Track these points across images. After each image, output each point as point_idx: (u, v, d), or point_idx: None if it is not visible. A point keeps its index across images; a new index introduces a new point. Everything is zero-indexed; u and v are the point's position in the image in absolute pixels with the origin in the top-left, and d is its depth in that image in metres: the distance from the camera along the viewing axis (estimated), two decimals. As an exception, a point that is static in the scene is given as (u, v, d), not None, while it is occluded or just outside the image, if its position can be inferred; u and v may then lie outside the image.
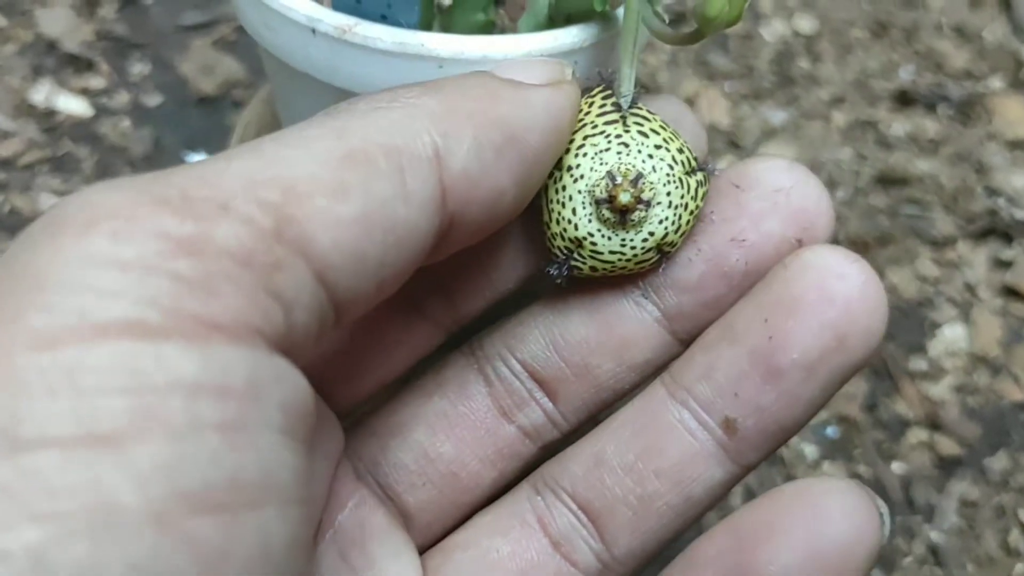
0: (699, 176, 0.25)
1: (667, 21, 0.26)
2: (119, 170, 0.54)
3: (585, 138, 0.24)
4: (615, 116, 0.24)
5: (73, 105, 0.57)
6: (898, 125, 0.61)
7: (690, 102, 0.61)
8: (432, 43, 0.26)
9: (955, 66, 0.64)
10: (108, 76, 0.58)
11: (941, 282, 0.54)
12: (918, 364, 0.51)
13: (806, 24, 0.65)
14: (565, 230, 0.24)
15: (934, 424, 0.49)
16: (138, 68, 0.59)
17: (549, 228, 0.24)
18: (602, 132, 0.24)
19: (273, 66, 0.31)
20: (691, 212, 0.24)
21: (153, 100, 0.58)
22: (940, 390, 0.50)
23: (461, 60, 0.26)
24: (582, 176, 0.24)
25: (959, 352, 0.52)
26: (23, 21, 0.60)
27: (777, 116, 0.61)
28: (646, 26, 0.26)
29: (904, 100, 0.62)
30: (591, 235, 0.24)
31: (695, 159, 0.25)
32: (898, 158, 0.59)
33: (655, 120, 0.25)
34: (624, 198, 0.23)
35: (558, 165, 0.24)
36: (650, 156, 0.24)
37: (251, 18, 0.29)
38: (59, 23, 0.59)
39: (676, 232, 0.24)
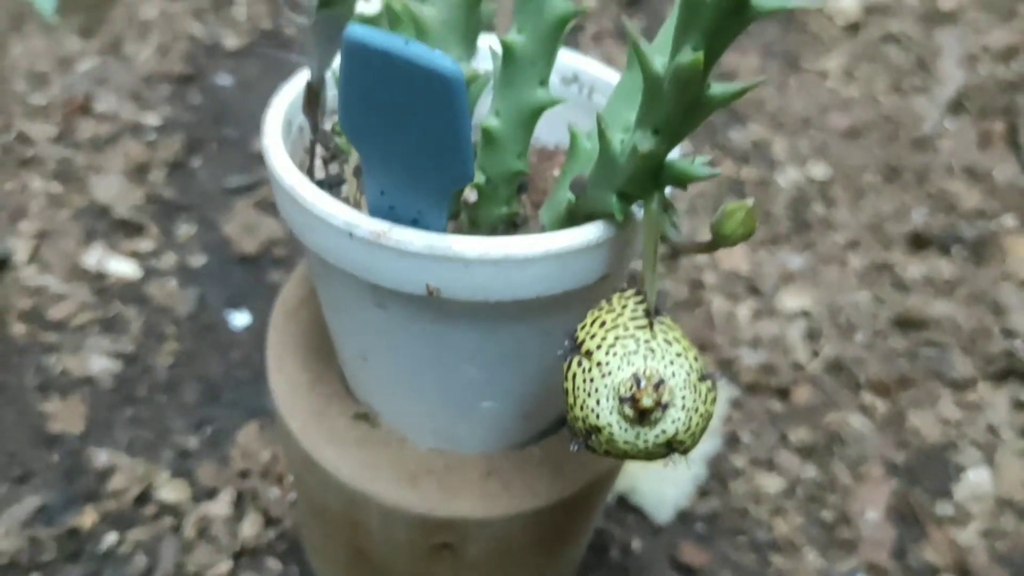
0: (708, 383, 0.27)
1: (681, 231, 0.28)
2: (165, 329, 0.57)
3: (616, 339, 0.26)
4: (644, 322, 0.27)
5: (123, 268, 0.60)
6: (914, 267, 0.62)
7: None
8: (458, 245, 0.28)
9: (967, 206, 0.66)
10: (156, 238, 0.62)
11: (964, 424, 0.55)
12: (944, 509, 0.52)
13: (819, 170, 0.68)
14: (587, 417, 0.26)
15: (963, 571, 0.49)
16: (184, 229, 0.62)
17: (572, 411, 0.26)
18: (632, 336, 0.26)
19: (314, 260, 0.33)
20: (701, 415, 0.26)
21: (198, 260, 0.61)
22: (968, 536, 0.50)
23: (486, 260, 0.28)
24: (610, 373, 0.26)
25: (985, 496, 0.52)
26: (77, 186, 0.64)
27: (794, 261, 0.63)
28: (665, 236, 0.28)
29: (918, 242, 0.64)
30: (610, 425, 0.26)
31: (704, 367, 0.27)
32: (915, 300, 0.60)
33: (677, 329, 0.27)
34: (647, 402, 0.25)
35: (588, 356, 0.26)
36: (671, 363, 0.26)
37: (294, 219, 0.31)
38: (111, 188, 0.64)
39: (687, 432, 0.26)
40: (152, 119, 0.67)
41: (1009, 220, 0.66)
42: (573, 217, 0.32)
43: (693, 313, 0.60)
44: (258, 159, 0.66)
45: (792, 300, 0.61)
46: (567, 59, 0.39)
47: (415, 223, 0.29)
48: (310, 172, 0.35)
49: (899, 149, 0.69)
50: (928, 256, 0.63)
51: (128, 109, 0.67)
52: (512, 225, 0.35)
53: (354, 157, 0.35)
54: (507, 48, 0.31)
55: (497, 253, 0.28)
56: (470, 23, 0.30)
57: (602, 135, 0.28)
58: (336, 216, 0.29)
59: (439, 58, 0.23)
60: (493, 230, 0.34)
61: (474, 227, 0.34)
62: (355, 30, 0.23)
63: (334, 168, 0.37)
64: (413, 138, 0.26)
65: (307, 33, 0.31)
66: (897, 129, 0.70)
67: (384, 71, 0.24)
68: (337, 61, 0.33)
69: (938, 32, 0.75)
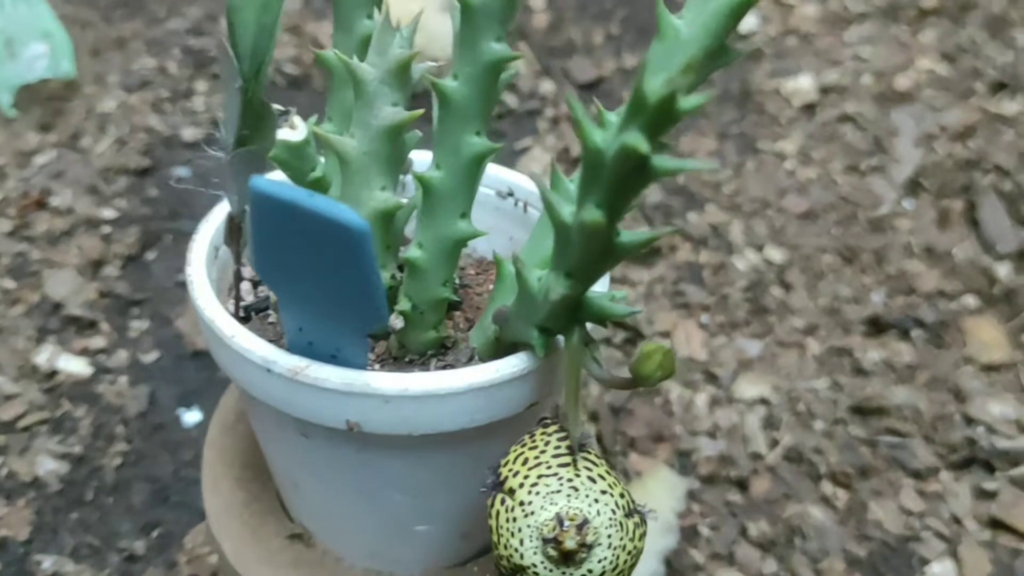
0: (636, 518, 0.26)
1: (603, 366, 0.28)
2: (114, 428, 0.56)
3: (539, 477, 0.26)
4: (568, 459, 0.26)
5: (73, 365, 0.59)
6: (873, 352, 0.62)
7: (666, 335, 0.63)
8: (377, 382, 0.28)
9: (927, 287, 0.66)
10: (108, 335, 0.61)
11: (926, 515, 0.54)
12: (908, 606, 0.50)
13: (777, 254, 0.68)
14: (511, 556, 0.26)
15: (928, 674, 0.48)
16: (137, 325, 0.62)
17: (496, 548, 0.26)
18: (555, 474, 0.26)
19: (243, 396, 0.33)
20: (629, 553, 0.26)
21: (150, 356, 0.60)
22: (932, 635, 0.49)
23: (407, 396, 0.28)
24: (533, 513, 0.25)
25: (949, 592, 0.51)
26: (31, 282, 0.64)
27: (752, 346, 0.63)
28: (585, 370, 0.28)
29: (878, 326, 0.64)
30: (534, 566, 0.25)
31: (633, 502, 0.26)
32: (875, 386, 0.60)
33: (602, 465, 0.27)
34: (570, 544, 0.25)
35: (511, 494, 0.26)
36: (596, 501, 0.25)
37: (215, 350, 0.31)
38: (65, 284, 0.63)
39: (614, 571, 0.26)
40: (108, 213, 0.67)
41: (970, 300, 0.66)
42: (499, 344, 0.32)
43: (652, 402, 0.59)
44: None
45: (750, 388, 0.61)
46: (502, 174, 0.40)
47: (334, 359, 0.29)
48: (236, 298, 0.35)
49: (857, 230, 0.69)
50: (887, 340, 0.63)
51: (84, 203, 0.67)
52: (442, 347, 0.35)
53: None
54: (426, 183, 0.31)
55: (418, 389, 0.28)
56: (393, 153, 0.31)
57: (519, 274, 0.28)
58: (254, 352, 0.29)
59: (344, 211, 0.23)
60: (423, 355, 0.34)
61: (402, 350, 0.34)
62: (260, 182, 0.23)
63: (263, 290, 0.37)
64: (325, 283, 0.27)
65: (225, 168, 0.31)
66: (855, 210, 0.70)
67: (292, 221, 0.24)
68: None
69: (894, 112, 0.76)
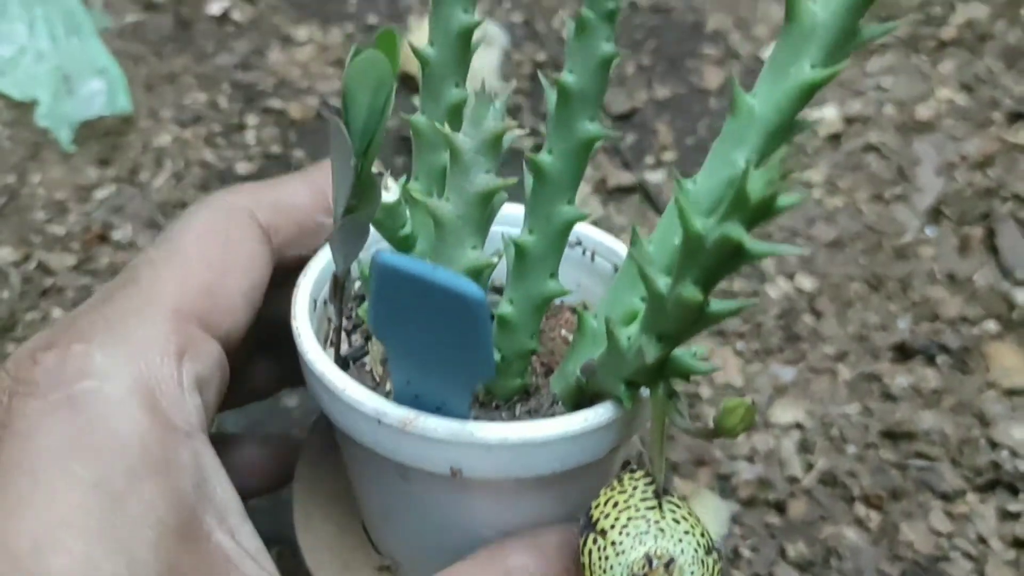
0: (714, 555, 0.29)
1: (686, 417, 0.31)
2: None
3: (629, 519, 0.29)
4: (654, 503, 0.29)
5: None
6: (901, 377, 0.65)
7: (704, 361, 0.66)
8: (481, 432, 0.31)
9: (950, 313, 0.69)
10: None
11: (955, 536, 0.57)
12: (940, 623, 0.54)
13: (807, 282, 0.71)
14: None
15: None
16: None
17: None
18: (643, 516, 0.29)
19: (344, 439, 0.36)
20: None
21: (214, 385, 0.63)
22: (963, 651, 0.52)
23: (506, 444, 0.31)
24: (623, 552, 0.28)
25: (978, 610, 0.54)
26: (98, 314, 0.67)
27: (787, 373, 0.66)
28: (670, 421, 0.31)
29: (904, 352, 0.67)
30: None
31: (711, 540, 0.29)
32: (903, 411, 0.63)
33: (685, 507, 0.30)
34: None
35: (603, 535, 0.29)
36: (680, 540, 0.28)
37: (323, 401, 0.34)
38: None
39: None
40: (168, 245, 0.70)
41: (991, 325, 0.69)
42: (582, 392, 0.35)
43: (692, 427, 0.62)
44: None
45: (785, 413, 0.64)
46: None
47: (438, 409, 0.32)
48: (337, 349, 0.38)
49: (883, 258, 0.72)
50: (914, 366, 0.66)
51: (145, 237, 0.70)
52: (525, 393, 0.37)
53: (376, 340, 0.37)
54: (520, 248, 0.33)
55: (516, 438, 0.31)
56: (484, 216, 0.33)
57: (611, 335, 0.31)
58: (365, 404, 0.31)
59: (463, 283, 0.26)
60: (508, 400, 0.37)
61: (489, 396, 0.37)
62: (386, 257, 0.26)
63: (356, 338, 0.40)
64: (438, 342, 0.29)
65: (334, 234, 0.33)
66: (880, 238, 0.73)
67: (412, 289, 0.27)
68: (362, 254, 0.36)
69: (916, 141, 0.79)
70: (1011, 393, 0.64)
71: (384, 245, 0.36)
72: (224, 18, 0.86)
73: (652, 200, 0.76)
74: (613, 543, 0.29)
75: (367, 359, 0.38)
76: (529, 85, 0.84)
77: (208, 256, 0.33)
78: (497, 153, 0.31)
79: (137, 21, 0.85)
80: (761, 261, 0.72)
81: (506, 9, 0.90)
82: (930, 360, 0.67)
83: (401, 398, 0.32)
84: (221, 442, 0.37)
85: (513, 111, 0.82)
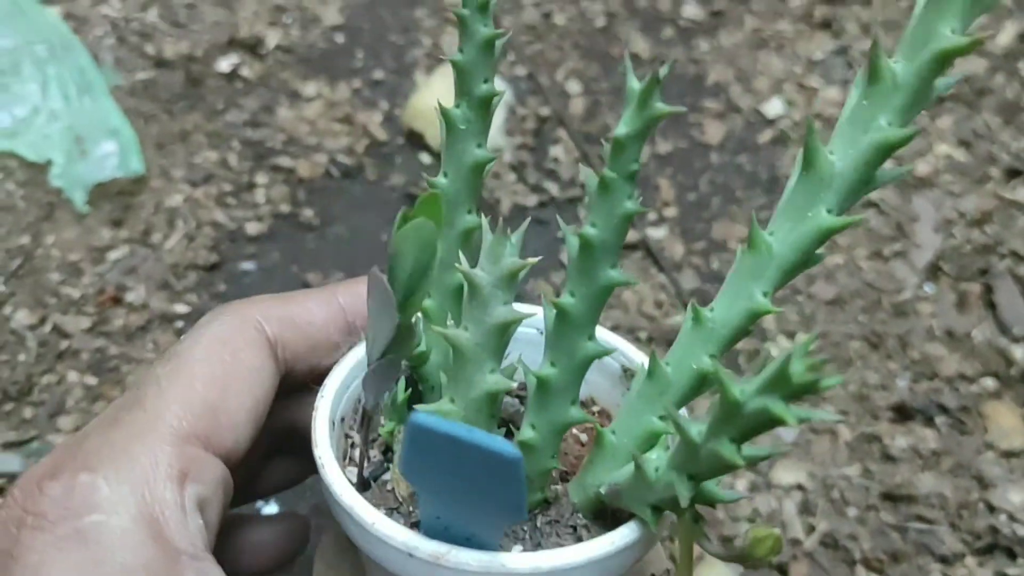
0: None
1: (713, 541, 0.32)
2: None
3: None
4: None
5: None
6: (900, 438, 0.66)
7: (708, 423, 0.67)
8: (512, 563, 0.31)
9: (948, 371, 0.71)
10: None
11: (954, 600, 0.58)
12: None
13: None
14: None
15: None
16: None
17: None
18: None
19: (370, 561, 0.36)
20: None
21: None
22: None
23: (537, 573, 0.31)
24: None
25: (977, 678, 0.55)
26: (111, 378, 0.68)
27: (788, 433, 0.67)
28: (699, 546, 0.31)
29: (903, 412, 0.68)
30: None
31: None
32: (903, 473, 0.64)
33: None
34: None
35: None
36: None
37: (356, 537, 0.34)
38: (144, 378, 0.67)
39: None
40: (181, 308, 0.71)
41: (989, 383, 0.70)
42: (603, 504, 0.35)
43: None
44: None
45: (787, 474, 0.65)
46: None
47: (468, 541, 0.32)
48: (360, 471, 0.38)
49: (882, 316, 0.74)
50: (913, 426, 0.67)
51: (158, 298, 0.71)
52: (545, 503, 0.37)
53: (397, 460, 0.37)
54: (542, 380, 0.34)
55: (547, 566, 0.31)
56: (501, 344, 0.33)
57: (638, 467, 0.31)
58: (395, 538, 0.32)
59: (500, 443, 0.27)
60: (530, 512, 0.36)
61: None
62: (421, 418, 0.27)
63: (375, 453, 0.39)
64: (471, 493, 0.29)
65: (368, 375, 0.34)
66: (880, 296, 0.75)
67: (447, 446, 0.27)
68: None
69: (915, 197, 0.80)
70: (1009, 455, 0.65)
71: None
72: (233, 75, 0.88)
73: (654, 256, 0.78)
74: None
75: (388, 475, 0.38)
76: (533, 140, 0.85)
77: (212, 374, 0.34)
78: (514, 287, 0.33)
79: (148, 78, 0.86)
80: (763, 318, 0.73)
81: (510, 62, 0.92)
82: (929, 421, 0.68)
83: (430, 530, 0.32)
84: (231, 524, 0.38)
85: (518, 167, 0.83)
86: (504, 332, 0.32)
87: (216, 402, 0.33)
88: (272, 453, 0.42)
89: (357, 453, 0.38)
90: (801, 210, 0.29)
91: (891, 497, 0.63)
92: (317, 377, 0.38)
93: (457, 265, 0.34)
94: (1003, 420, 0.68)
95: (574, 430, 0.42)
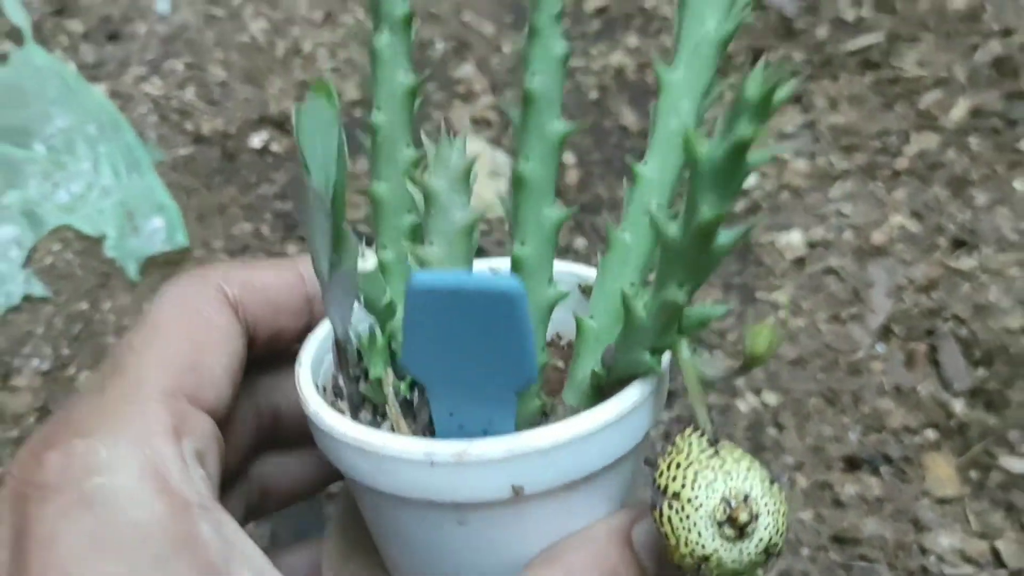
0: (776, 483, 0.31)
1: (715, 362, 0.31)
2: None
3: (696, 473, 0.29)
4: (712, 451, 0.29)
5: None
6: (849, 486, 0.77)
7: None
8: (534, 440, 0.30)
9: (895, 424, 0.81)
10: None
11: (889, 631, 0.69)
12: None
13: (772, 397, 0.82)
14: (694, 550, 0.29)
15: None
16: (253, 468, 0.76)
17: (676, 551, 0.29)
18: (708, 466, 0.29)
19: (378, 500, 0.33)
20: (783, 513, 0.29)
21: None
22: None
23: (559, 445, 0.30)
24: (702, 505, 0.28)
25: None
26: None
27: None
28: (702, 375, 0.31)
29: (853, 463, 0.78)
30: (716, 551, 0.28)
31: (769, 470, 0.31)
32: (850, 517, 0.74)
33: (737, 448, 0.30)
34: (743, 517, 0.28)
35: (676, 498, 0.29)
36: (746, 478, 0.29)
37: (361, 468, 0.31)
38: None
39: (778, 534, 0.29)
40: (223, 368, 0.81)
41: (930, 434, 0.81)
42: (600, 390, 0.34)
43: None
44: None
45: (751, 518, 0.75)
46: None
47: (485, 433, 0.31)
48: (353, 412, 0.37)
49: (838, 374, 0.84)
50: (861, 475, 0.77)
51: (203, 360, 0.82)
52: (543, 415, 0.36)
53: (392, 400, 0.36)
54: (516, 259, 0.34)
55: (567, 436, 0.30)
56: (469, 249, 0.33)
57: (629, 309, 0.31)
58: (412, 450, 0.30)
59: (504, 280, 0.26)
60: (531, 423, 0.35)
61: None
62: (420, 276, 0.26)
63: (365, 415, 0.38)
64: (478, 357, 0.29)
65: (326, 296, 0.33)
66: (837, 356, 0.85)
67: (449, 304, 0.27)
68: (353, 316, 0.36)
69: (871, 265, 0.90)
70: (942, 502, 0.76)
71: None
72: (264, 150, 0.98)
73: (639, 319, 0.88)
74: (689, 500, 0.29)
75: (383, 427, 0.37)
76: (532, 209, 0.96)
77: (185, 334, 0.34)
78: (469, 188, 0.32)
79: (188, 154, 0.96)
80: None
81: (511, 136, 1.02)
82: (875, 470, 0.78)
83: (445, 432, 0.32)
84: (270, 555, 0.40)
85: (518, 235, 0.93)
86: (470, 235, 0.32)
87: (194, 359, 0.33)
88: (265, 445, 0.41)
89: (345, 391, 0.37)
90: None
91: (839, 539, 0.74)
92: (282, 346, 0.38)
93: (412, 181, 0.34)
94: (939, 470, 0.78)
95: (554, 361, 0.40)
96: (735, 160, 0.24)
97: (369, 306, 0.35)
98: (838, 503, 0.76)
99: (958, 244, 0.91)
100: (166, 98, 1.01)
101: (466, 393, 0.30)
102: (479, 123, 1.02)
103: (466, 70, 1.07)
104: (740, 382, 0.84)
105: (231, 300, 0.36)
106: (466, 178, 0.32)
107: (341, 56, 1.07)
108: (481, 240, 0.85)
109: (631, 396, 0.31)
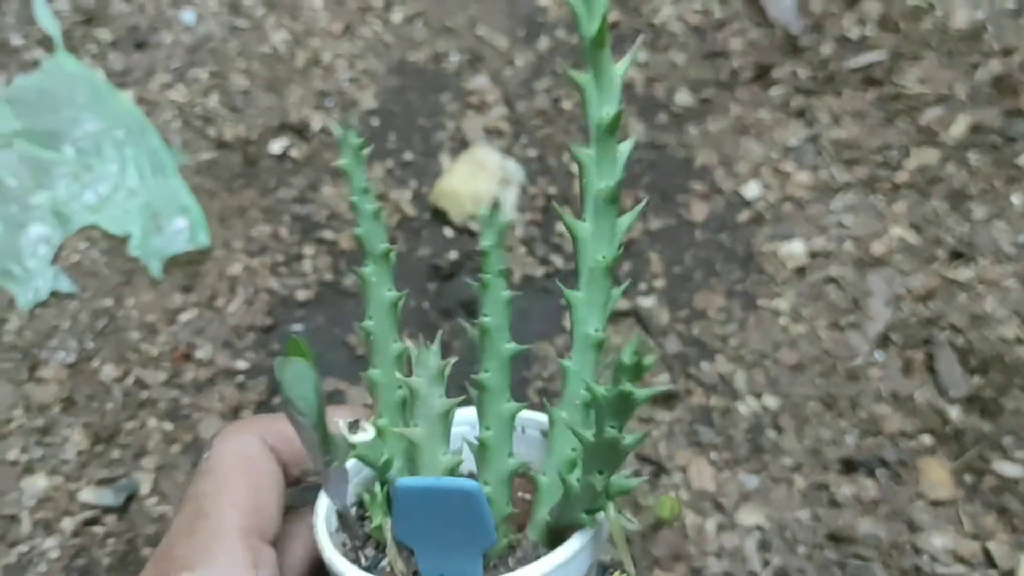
0: None
1: (634, 522, 0.41)
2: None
3: None
4: None
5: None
6: (846, 488, 0.79)
7: (683, 470, 0.80)
8: None
9: (891, 429, 0.83)
10: None
11: (882, 625, 0.71)
12: None
13: (772, 401, 0.85)
14: None
15: None
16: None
17: None
18: None
19: None
20: None
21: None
22: None
23: None
24: None
25: None
26: (185, 424, 0.81)
27: (751, 480, 0.80)
28: (624, 529, 0.41)
29: (850, 465, 0.81)
30: None
31: None
32: (846, 517, 0.77)
33: None
34: None
35: None
36: None
37: None
38: (213, 427, 0.81)
39: None
40: (241, 364, 0.85)
41: (926, 439, 0.83)
42: (553, 532, 0.44)
43: (673, 527, 0.76)
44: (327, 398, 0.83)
45: (749, 516, 0.78)
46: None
47: None
48: (357, 561, 0.45)
49: (837, 380, 0.86)
50: (857, 477, 0.80)
51: (222, 356, 0.85)
52: (511, 548, 0.44)
53: (391, 543, 0.44)
54: (482, 442, 0.43)
55: None
56: (446, 428, 0.43)
57: (565, 484, 0.40)
58: None
59: (464, 483, 0.36)
60: (502, 557, 0.44)
61: (486, 559, 0.44)
62: (403, 481, 0.37)
63: (369, 551, 0.46)
64: (451, 531, 0.39)
65: (326, 486, 0.43)
66: (835, 362, 0.87)
67: (427, 498, 0.37)
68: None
69: (870, 275, 0.93)
70: (936, 504, 0.78)
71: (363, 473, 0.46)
72: (284, 156, 1.01)
73: (644, 324, 0.91)
74: None
75: (384, 563, 0.45)
76: (542, 217, 0.99)
77: (248, 481, 0.43)
78: (443, 382, 0.41)
79: (211, 159, 1.00)
80: (735, 380, 0.86)
81: (523, 145, 1.05)
82: (871, 473, 0.80)
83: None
84: None
85: (528, 241, 0.96)
86: (446, 418, 0.42)
87: (257, 502, 0.43)
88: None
89: (350, 542, 0.45)
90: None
91: (834, 538, 0.76)
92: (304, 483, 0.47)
93: (399, 376, 0.43)
94: (934, 474, 0.80)
95: (520, 492, 0.47)
96: (623, 401, 0.34)
97: (371, 466, 0.44)
98: (834, 503, 0.78)
99: (956, 256, 0.93)
100: (190, 105, 1.04)
101: (444, 554, 0.39)
102: (491, 133, 1.05)
103: (479, 81, 1.10)
104: (741, 385, 0.86)
105: (270, 448, 0.45)
106: (441, 375, 0.41)
107: (359, 67, 1.10)
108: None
109: (572, 547, 0.40)
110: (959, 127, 1.03)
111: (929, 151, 1.01)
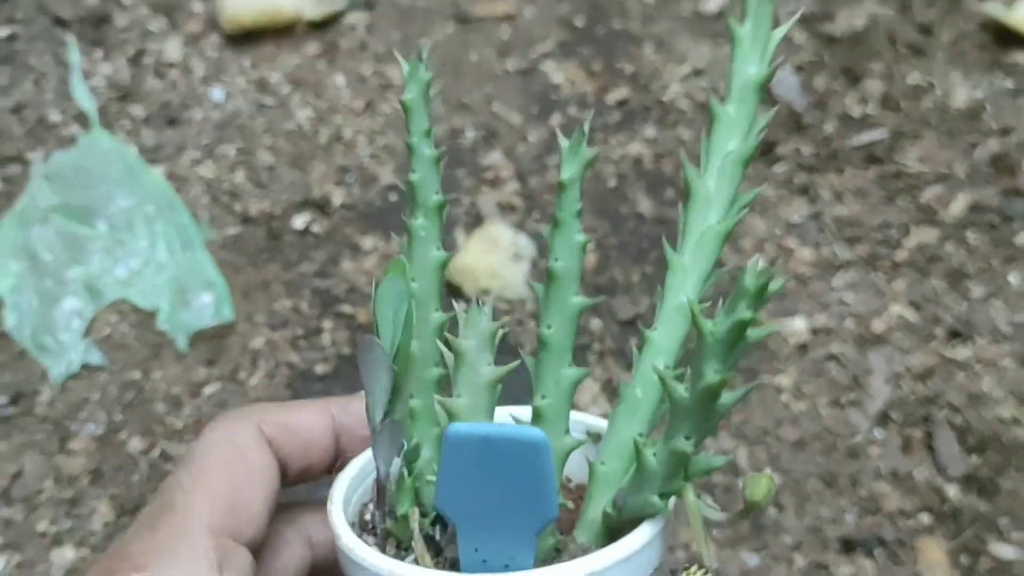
0: None
1: (718, 509, 0.34)
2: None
3: None
4: None
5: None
6: (844, 567, 0.81)
7: (685, 547, 0.83)
8: (556, 574, 0.32)
9: (890, 507, 0.86)
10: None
11: None
12: None
13: (774, 478, 0.87)
14: None
15: None
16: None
17: None
18: None
19: None
20: None
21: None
22: None
23: None
24: None
25: None
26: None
27: (752, 559, 0.82)
28: (706, 517, 0.34)
29: (848, 544, 0.83)
30: None
31: None
32: (843, 597, 0.79)
33: None
34: None
35: None
36: None
37: None
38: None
39: None
40: (262, 437, 0.88)
41: (924, 518, 0.85)
42: (611, 529, 0.37)
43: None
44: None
45: (749, 594, 0.80)
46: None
47: (506, 567, 0.34)
48: (383, 547, 0.39)
49: (837, 457, 0.89)
50: (856, 557, 0.82)
51: (244, 429, 0.88)
52: (556, 551, 0.38)
53: (417, 535, 0.38)
54: (537, 410, 0.37)
55: (584, 572, 0.32)
56: (492, 401, 0.36)
57: (640, 456, 0.33)
58: None
59: (531, 430, 0.30)
60: (544, 562, 0.38)
61: None
62: (456, 427, 0.31)
63: (389, 549, 0.40)
64: (504, 498, 0.32)
65: (377, 438, 0.37)
66: (836, 439, 0.90)
67: (480, 453, 0.31)
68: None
69: (871, 352, 0.96)
70: (932, 585, 0.80)
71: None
72: (306, 231, 1.06)
73: (650, 399, 0.94)
74: None
75: (411, 560, 0.39)
76: (553, 291, 1.02)
77: (229, 474, 0.38)
78: (494, 347, 0.35)
79: (236, 233, 1.04)
80: (735, 458, 0.89)
81: (535, 220, 1.09)
82: (869, 552, 0.83)
83: (469, 567, 0.34)
84: None
85: (539, 316, 1.00)
86: (494, 388, 0.36)
87: (236, 499, 0.37)
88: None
89: (377, 527, 0.39)
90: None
91: (832, 617, 0.78)
92: (309, 479, 0.42)
93: (447, 335, 0.37)
94: (932, 555, 0.83)
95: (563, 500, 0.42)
96: (736, 335, 0.28)
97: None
98: (833, 582, 0.81)
99: (954, 335, 0.96)
100: (218, 180, 1.09)
101: (491, 531, 0.33)
102: (504, 208, 1.10)
103: (494, 157, 1.15)
104: (743, 462, 0.89)
105: (268, 439, 0.40)
106: (492, 339, 0.35)
107: (379, 143, 1.15)
108: (503, 319, 0.91)
109: (642, 535, 0.34)
110: (958, 206, 1.07)
111: (928, 230, 1.05)
